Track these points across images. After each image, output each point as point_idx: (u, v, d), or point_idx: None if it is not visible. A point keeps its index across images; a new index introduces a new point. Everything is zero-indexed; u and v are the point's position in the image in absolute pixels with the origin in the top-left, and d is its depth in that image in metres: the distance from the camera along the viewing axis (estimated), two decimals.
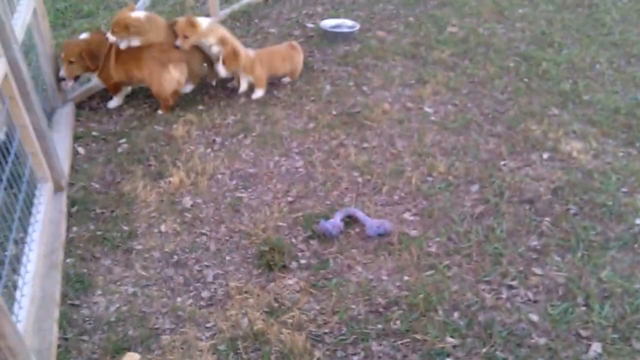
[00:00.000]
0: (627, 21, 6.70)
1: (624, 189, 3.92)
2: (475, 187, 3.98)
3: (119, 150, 4.43)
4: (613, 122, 4.64)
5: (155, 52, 4.73)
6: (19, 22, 3.84)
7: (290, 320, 3.08)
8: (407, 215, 3.77)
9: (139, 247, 3.57)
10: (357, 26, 6.20)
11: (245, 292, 3.25)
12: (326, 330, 3.03)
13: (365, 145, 4.45)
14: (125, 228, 3.69)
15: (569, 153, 4.28)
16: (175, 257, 3.51)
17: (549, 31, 6.38)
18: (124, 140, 4.54)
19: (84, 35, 4.87)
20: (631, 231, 3.58)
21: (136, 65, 4.75)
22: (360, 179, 4.08)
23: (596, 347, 2.90)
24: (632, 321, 3.02)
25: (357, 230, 3.66)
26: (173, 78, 4.76)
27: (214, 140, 4.51)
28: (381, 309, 3.15)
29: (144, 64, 4.73)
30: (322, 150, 4.38)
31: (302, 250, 3.53)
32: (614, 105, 4.86)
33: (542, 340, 2.94)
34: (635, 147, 4.35)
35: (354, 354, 2.92)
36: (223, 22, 6.38)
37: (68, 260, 3.47)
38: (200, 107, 4.98)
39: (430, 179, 4.08)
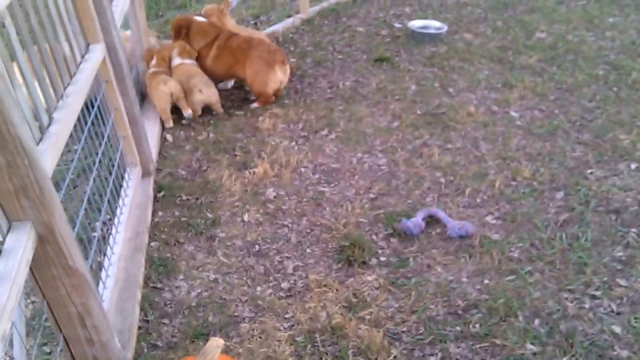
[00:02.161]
0: None
1: None
2: (560, 194, 3.91)
3: (206, 139, 4.56)
4: None
5: (262, 52, 4.83)
6: (118, 9, 3.99)
7: (368, 317, 3.10)
8: (489, 219, 3.74)
9: (222, 234, 3.67)
10: (445, 28, 6.17)
11: (325, 285, 3.29)
12: (404, 329, 3.05)
13: (449, 146, 4.44)
14: (210, 215, 3.80)
15: None
16: (257, 246, 3.59)
17: (639, 41, 6.18)
18: (210, 129, 4.67)
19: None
20: None
21: (241, 61, 4.88)
22: (442, 180, 4.07)
23: None
24: None
25: (438, 230, 3.66)
26: (278, 79, 4.87)
27: (299, 134, 4.58)
28: (460, 311, 3.14)
29: (251, 62, 4.84)
30: (405, 149, 4.39)
31: (382, 248, 3.56)
32: None
33: (625, 353, 2.87)
34: None
35: (432, 355, 2.92)
36: (312, 20, 6.47)
37: (152, 244, 3.60)
38: (287, 102, 5.07)
39: (514, 183, 4.03)
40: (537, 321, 3.06)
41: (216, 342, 2.21)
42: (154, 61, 4.95)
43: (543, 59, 5.74)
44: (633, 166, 4.16)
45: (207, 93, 4.78)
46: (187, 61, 4.90)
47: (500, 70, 5.51)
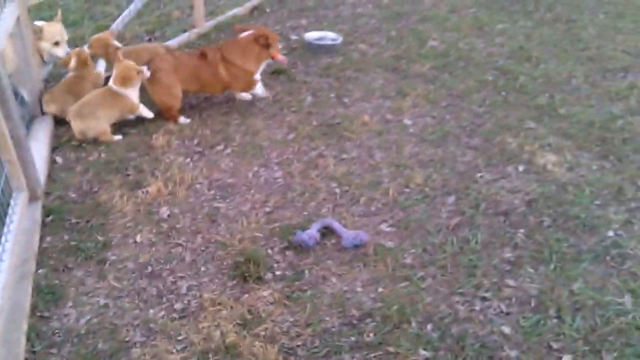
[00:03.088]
0: (603, 37, 6.79)
1: (597, 202, 3.96)
2: (451, 199, 4.01)
3: (97, 159, 4.43)
4: (588, 136, 4.69)
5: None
6: (1, 30, 3.83)
7: (263, 333, 3.08)
8: (383, 227, 3.79)
9: (113, 257, 3.56)
10: (340, 39, 6.25)
11: (219, 303, 3.24)
12: (299, 343, 3.04)
13: (345, 156, 4.48)
14: (100, 238, 3.68)
15: (544, 166, 4.33)
16: (150, 268, 3.50)
17: (527, 46, 6.46)
18: (102, 149, 4.54)
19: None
20: (603, 243, 3.62)
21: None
22: (338, 190, 4.10)
23: (567, 359, 2.92)
24: (603, 333, 3.05)
25: (334, 241, 3.67)
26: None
27: (194, 150, 4.52)
28: (355, 321, 3.16)
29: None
30: (301, 161, 4.40)
31: (277, 262, 3.54)
32: (589, 119, 4.92)
33: (514, 353, 2.97)
34: (609, 160, 4.41)
35: None
36: (208, 34, 6.41)
37: (40, 271, 3.45)
38: (182, 117, 4.98)
39: (407, 190, 4.10)
40: (429, 326, 3.12)
41: None
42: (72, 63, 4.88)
43: (435, 67, 5.89)
44: (521, 168, 4.32)
45: (76, 124, 4.61)
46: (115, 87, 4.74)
47: (394, 79, 5.62)
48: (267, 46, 4.90)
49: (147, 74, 4.72)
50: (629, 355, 2.94)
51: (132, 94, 4.70)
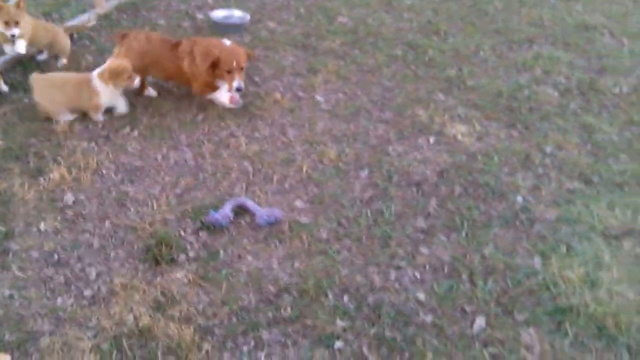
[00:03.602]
0: (508, 10, 6.96)
1: (505, 169, 4.06)
2: (364, 173, 4.01)
3: None
4: (496, 106, 4.80)
5: None
6: None
7: (178, 314, 3.00)
8: (298, 203, 3.76)
9: (16, 247, 3.38)
10: (248, 17, 6.14)
11: (131, 287, 3.14)
12: (215, 322, 2.98)
13: (257, 135, 4.41)
14: (1, 228, 3.49)
15: (454, 136, 4.40)
16: (56, 256, 3.34)
17: (435, 20, 6.54)
18: (0, 136, 4.29)
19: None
20: (512, 209, 3.71)
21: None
22: (250, 169, 4.03)
23: (480, 321, 2.98)
24: (515, 295, 3.13)
25: (248, 220, 3.61)
26: None
27: (99, 134, 4.33)
28: (272, 297, 3.12)
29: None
30: (212, 142, 4.30)
31: (191, 243, 3.45)
32: (497, 89, 5.03)
33: (429, 318, 3.00)
34: (517, 128, 4.52)
35: (244, 344, 2.88)
36: (109, 15, 6.17)
37: None
38: None
39: (321, 166, 4.08)
40: (346, 297, 3.11)
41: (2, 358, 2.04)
42: None
43: (345, 43, 5.88)
44: (431, 140, 4.38)
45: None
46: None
47: (304, 56, 5.57)
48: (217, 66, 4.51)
49: (137, 83, 4.50)
50: (540, 314, 3.03)
51: (106, 94, 4.44)
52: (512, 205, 3.74)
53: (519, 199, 3.79)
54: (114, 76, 4.36)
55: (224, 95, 4.71)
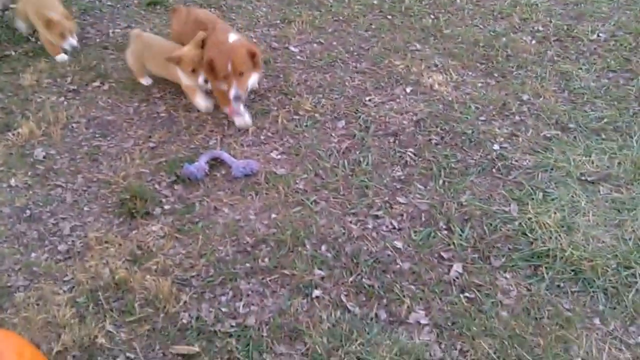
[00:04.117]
0: None
1: (482, 118, 4.03)
2: (341, 123, 3.97)
3: None
4: (472, 55, 4.74)
5: None
6: None
7: (154, 267, 2.98)
8: (274, 155, 3.71)
9: None
10: None
11: (106, 242, 3.10)
12: (193, 274, 2.96)
13: None
14: None
15: (431, 86, 4.35)
16: (28, 211, 3.28)
17: None
18: None
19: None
20: (489, 157, 3.70)
21: None
22: (225, 121, 3.96)
23: (457, 267, 2.99)
24: (491, 241, 3.14)
25: (223, 172, 3.57)
26: None
27: (68, 89, 4.22)
28: (249, 248, 3.10)
29: None
30: (185, 95, 4.21)
31: (166, 196, 3.41)
32: (474, 38, 4.96)
33: (407, 265, 3.00)
34: (493, 77, 4.48)
35: (222, 294, 2.87)
36: None
37: None
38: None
39: (296, 117, 4.02)
40: (324, 247, 3.10)
41: None
42: None
43: None
44: (408, 89, 4.32)
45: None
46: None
47: (278, 6, 5.44)
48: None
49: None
50: (516, 259, 3.04)
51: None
52: (489, 153, 3.72)
53: (496, 147, 3.78)
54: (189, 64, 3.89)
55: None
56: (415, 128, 3.93)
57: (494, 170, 3.61)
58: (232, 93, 3.72)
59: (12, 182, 3.46)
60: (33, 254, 3.05)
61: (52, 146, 3.71)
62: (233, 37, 3.86)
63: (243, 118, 3.92)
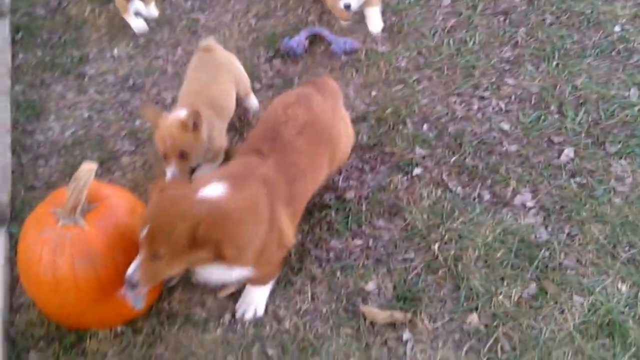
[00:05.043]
0: None
1: None
2: (447, 1, 3.74)
3: None
4: None
5: None
6: None
7: None
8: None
9: (92, 71, 3.39)
10: None
11: None
12: None
13: None
14: (76, 53, 3.48)
15: None
16: (131, 80, 3.33)
17: None
18: None
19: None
20: (609, 38, 3.41)
21: None
22: None
23: (568, 152, 2.83)
24: (607, 126, 2.94)
25: (323, 48, 3.46)
26: None
27: None
28: None
29: None
30: None
31: (265, 71, 3.36)
32: None
33: (513, 147, 2.86)
34: None
35: None
36: None
37: (17, 87, 3.30)
38: None
39: None
40: (425, 126, 3.00)
41: (88, 166, 2.03)
42: None
43: None
44: None
45: None
46: None
47: None
48: None
49: None
50: (633, 146, 2.85)
51: None
52: (608, 35, 3.44)
53: (617, 28, 3.48)
54: None
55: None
56: (527, 7, 3.66)
57: (613, 53, 3.33)
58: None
59: (115, 52, 3.49)
60: (137, 122, 3.11)
61: (152, 18, 3.69)
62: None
63: None
